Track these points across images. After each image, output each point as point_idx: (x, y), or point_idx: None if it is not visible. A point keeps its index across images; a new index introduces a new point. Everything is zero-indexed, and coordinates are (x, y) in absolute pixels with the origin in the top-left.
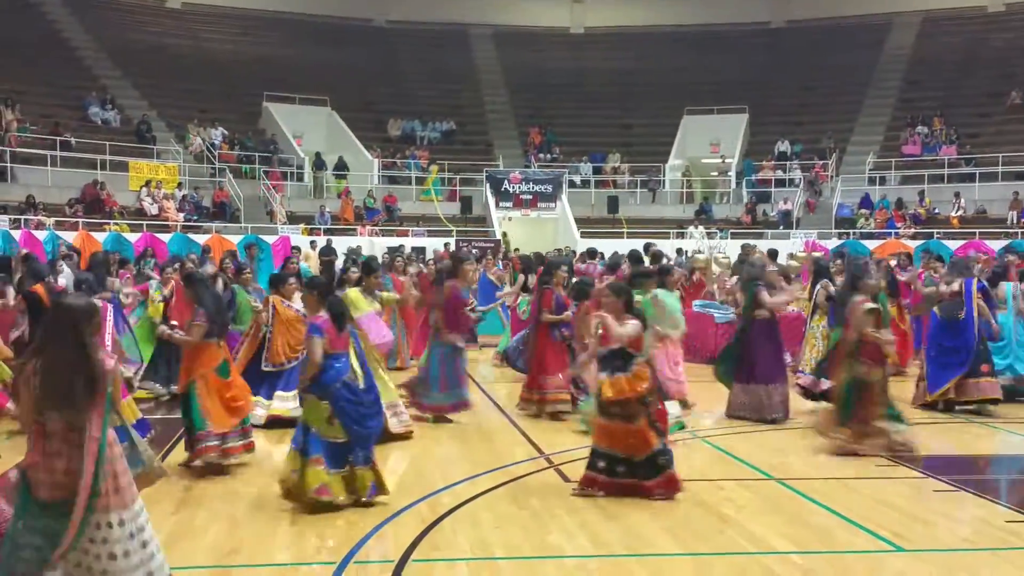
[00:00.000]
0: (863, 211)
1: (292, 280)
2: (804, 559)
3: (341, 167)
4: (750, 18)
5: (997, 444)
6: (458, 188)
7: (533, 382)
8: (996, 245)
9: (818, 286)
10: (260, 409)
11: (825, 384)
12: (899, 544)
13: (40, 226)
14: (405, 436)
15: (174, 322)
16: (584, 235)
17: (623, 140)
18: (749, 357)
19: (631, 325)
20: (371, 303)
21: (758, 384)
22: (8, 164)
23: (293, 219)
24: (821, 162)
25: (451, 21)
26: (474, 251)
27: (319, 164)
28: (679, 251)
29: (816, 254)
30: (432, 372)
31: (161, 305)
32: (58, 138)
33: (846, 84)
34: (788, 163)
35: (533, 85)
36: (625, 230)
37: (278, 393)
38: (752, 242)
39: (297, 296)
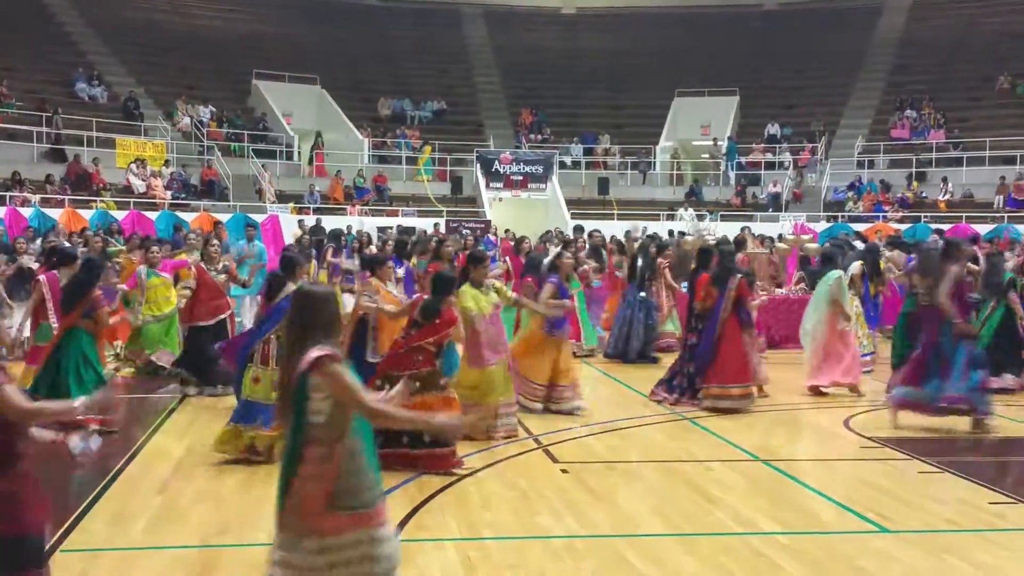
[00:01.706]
0: (851, 194)
1: (390, 263)
2: (790, 540)
3: (319, 145)
4: (742, 0)
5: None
6: (448, 168)
7: (718, 376)
8: (982, 229)
9: (850, 267)
10: None
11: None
12: (884, 525)
13: (26, 203)
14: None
15: None
16: (575, 216)
17: (614, 121)
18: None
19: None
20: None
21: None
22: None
23: (282, 198)
24: (810, 145)
25: (442, 0)
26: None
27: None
28: (671, 233)
29: (805, 237)
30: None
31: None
32: (44, 114)
33: (837, 67)
34: (778, 146)
35: (524, 65)
36: (615, 212)
37: None
38: (744, 224)
39: (391, 283)
